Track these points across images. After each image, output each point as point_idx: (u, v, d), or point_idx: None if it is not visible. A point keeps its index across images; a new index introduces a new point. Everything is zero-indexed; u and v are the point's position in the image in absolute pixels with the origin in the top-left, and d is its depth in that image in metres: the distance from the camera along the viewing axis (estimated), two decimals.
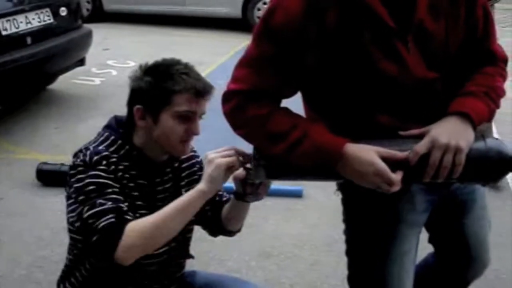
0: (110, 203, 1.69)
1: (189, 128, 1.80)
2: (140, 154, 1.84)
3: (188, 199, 1.70)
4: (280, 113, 1.59)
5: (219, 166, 1.66)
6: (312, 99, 1.70)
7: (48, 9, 5.08)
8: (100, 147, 1.80)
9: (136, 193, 1.82)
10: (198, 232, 3.13)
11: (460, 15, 1.59)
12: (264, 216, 3.57)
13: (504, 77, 1.71)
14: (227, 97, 1.62)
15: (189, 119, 1.79)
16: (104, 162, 1.75)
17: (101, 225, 1.66)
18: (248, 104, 1.58)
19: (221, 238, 3.22)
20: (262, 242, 3.31)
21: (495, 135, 4.65)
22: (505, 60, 1.74)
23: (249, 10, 8.82)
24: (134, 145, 1.84)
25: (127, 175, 1.80)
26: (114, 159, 1.77)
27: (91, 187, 1.72)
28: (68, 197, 1.81)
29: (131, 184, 1.81)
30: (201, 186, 1.69)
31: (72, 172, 1.78)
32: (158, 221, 1.68)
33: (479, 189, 1.88)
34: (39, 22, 4.99)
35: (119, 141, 1.83)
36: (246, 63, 1.60)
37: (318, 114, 1.67)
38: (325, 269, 3.07)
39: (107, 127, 1.89)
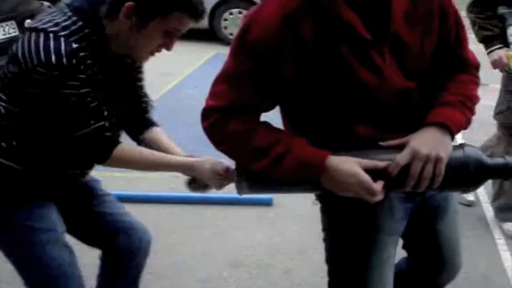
0: (93, 121, 1.78)
1: (166, 43, 1.82)
2: (104, 46, 1.80)
3: (176, 164, 1.95)
4: (260, 128, 1.60)
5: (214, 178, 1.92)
6: (291, 112, 1.71)
7: (13, 22, 5.02)
8: (71, 39, 1.71)
9: (101, 91, 1.81)
10: (171, 242, 3.13)
11: (434, 24, 1.62)
12: (235, 225, 3.58)
13: (477, 84, 1.76)
14: (206, 114, 1.62)
15: (171, 36, 1.81)
16: (82, 67, 1.71)
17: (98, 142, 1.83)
18: (227, 120, 1.58)
19: (192, 248, 3.23)
20: (234, 251, 3.31)
21: (460, 140, 4.72)
22: (477, 67, 1.78)
23: (216, 21, 8.82)
24: (103, 36, 1.79)
25: (94, 70, 1.78)
26: (83, 54, 1.72)
27: (73, 99, 1.72)
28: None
29: (99, 77, 1.80)
30: (196, 168, 1.93)
31: (42, 71, 1.67)
32: (142, 160, 1.92)
33: (452, 195, 1.92)
34: (4, 34, 4.93)
35: (86, 30, 1.75)
36: (224, 79, 1.60)
37: (297, 126, 1.68)
38: (297, 277, 3.07)
39: (78, 10, 1.76)
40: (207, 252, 3.27)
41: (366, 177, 1.50)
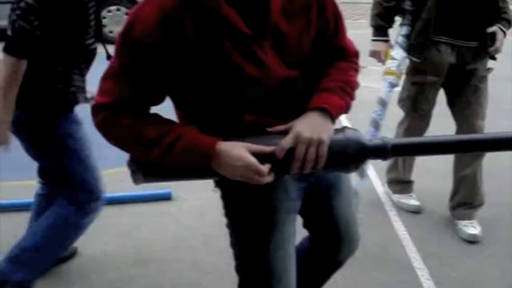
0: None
1: None
2: None
3: None
4: (150, 120, 1.63)
5: None
6: (181, 104, 1.75)
7: None
8: None
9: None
10: (74, 246, 3.08)
11: (312, 16, 1.70)
12: (137, 223, 3.57)
13: (356, 70, 1.85)
14: (95, 110, 1.64)
15: None
16: None
17: None
18: (116, 115, 1.61)
19: (96, 250, 3.20)
20: (139, 249, 3.30)
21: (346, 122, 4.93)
22: (356, 55, 1.88)
23: None
24: None
25: None
26: None
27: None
28: None
29: None
30: None
31: None
32: None
33: (342, 174, 2.01)
34: None
35: None
36: (110, 76, 1.62)
37: (188, 116, 1.73)
38: (205, 267, 3.12)
39: None
40: (112, 252, 3.24)
41: (253, 160, 1.57)
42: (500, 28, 3.27)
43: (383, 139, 1.75)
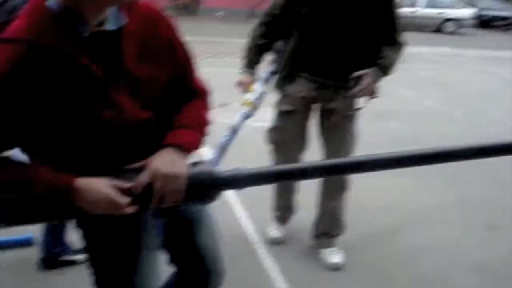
0: None
1: None
2: None
3: None
4: (1, 165, 1.61)
5: None
6: (34, 147, 1.70)
7: None
8: None
9: None
10: None
11: (164, 59, 1.77)
12: None
13: (206, 108, 1.94)
14: None
15: None
16: None
17: None
18: None
19: None
20: None
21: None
22: (206, 93, 1.97)
23: None
24: None
25: None
26: None
27: None
28: None
29: None
30: None
31: None
32: None
33: (203, 208, 2.07)
34: None
35: None
36: None
37: (43, 159, 1.69)
38: None
39: None
40: None
41: (112, 192, 1.62)
42: (373, 72, 3.24)
43: (236, 169, 1.82)
